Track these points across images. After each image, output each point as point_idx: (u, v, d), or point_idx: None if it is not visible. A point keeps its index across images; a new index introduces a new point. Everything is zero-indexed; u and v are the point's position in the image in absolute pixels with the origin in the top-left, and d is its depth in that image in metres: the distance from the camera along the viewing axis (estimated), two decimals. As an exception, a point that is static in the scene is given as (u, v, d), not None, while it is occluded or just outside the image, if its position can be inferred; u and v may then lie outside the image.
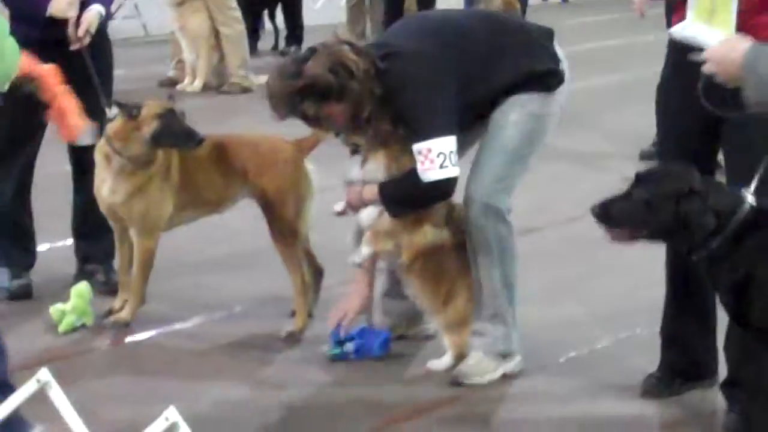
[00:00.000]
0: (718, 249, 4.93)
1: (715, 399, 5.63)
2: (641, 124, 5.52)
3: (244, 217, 6.80)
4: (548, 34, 5.99)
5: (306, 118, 5.72)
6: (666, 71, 5.64)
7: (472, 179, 5.72)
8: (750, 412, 5.26)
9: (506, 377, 5.89)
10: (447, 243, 5.86)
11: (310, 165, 6.56)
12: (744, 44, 4.17)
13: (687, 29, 4.51)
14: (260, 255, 6.87)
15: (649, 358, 5.86)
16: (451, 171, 5.57)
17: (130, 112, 6.19)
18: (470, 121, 5.72)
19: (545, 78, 5.79)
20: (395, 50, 5.65)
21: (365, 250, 5.83)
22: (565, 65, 5.90)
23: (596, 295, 7.03)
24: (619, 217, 5.02)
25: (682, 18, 5.42)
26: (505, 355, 5.89)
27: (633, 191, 5.02)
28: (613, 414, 5.65)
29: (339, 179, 6.02)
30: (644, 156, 8.99)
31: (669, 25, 5.67)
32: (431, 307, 5.98)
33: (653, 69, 5.65)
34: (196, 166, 6.52)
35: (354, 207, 5.88)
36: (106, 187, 6.36)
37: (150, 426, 3.25)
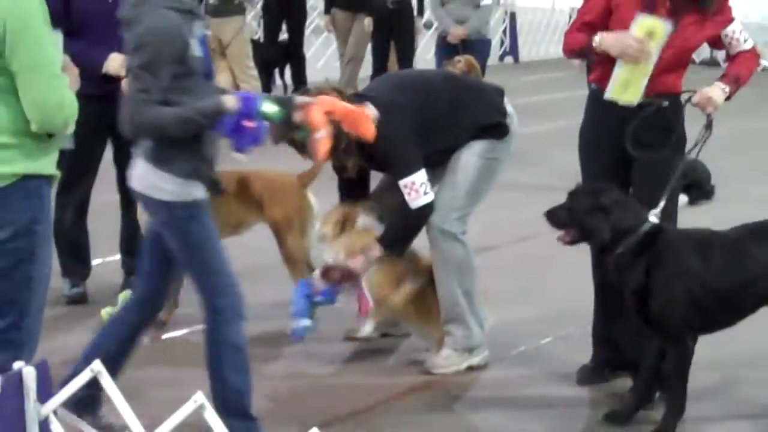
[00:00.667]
0: (623, 256, 5.08)
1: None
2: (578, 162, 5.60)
3: (258, 238, 6.79)
4: (500, 93, 6.00)
5: (296, 145, 5.64)
6: (585, 119, 5.71)
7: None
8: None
9: (472, 368, 5.92)
10: (420, 285, 5.92)
11: (311, 195, 6.54)
12: None
13: None
14: (270, 268, 6.84)
15: (583, 352, 5.90)
16: (431, 195, 5.59)
17: None
18: (433, 165, 5.71)
19: (494, 129, 5.79)
20: (371, 100, 5.59)
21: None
22: (513, 119, 5.90)
23: (541, 301, 7.04)
24: (555, 220, 5.23)
25: (598, 77, 5.51)
26: (470, 351, 5.89)
27: (566, 203, 5.23)
28: (554, 396, 5.71)
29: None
30: (581, 188, 9.06)
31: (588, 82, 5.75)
32: (425, 333, 6.06)
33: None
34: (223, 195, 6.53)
35: (348, 281, 5.74)
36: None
37: (181, 407, 3.26)
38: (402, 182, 5.55)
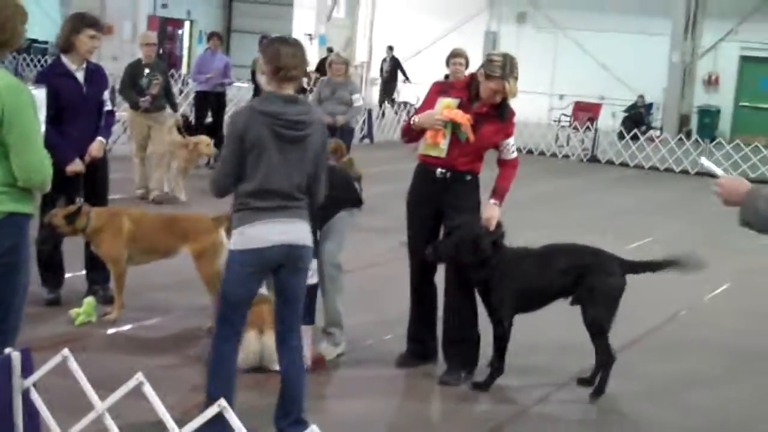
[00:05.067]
0: (478, 265, 5.32)
1: (434, 368, 5.82)
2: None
3: (183, 261, 6.67)
4: (357, 178, 6.11)
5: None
6: (413, 183, 5.77)
7: (323, 250, 5.73)
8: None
9: (339, 355, 5.94)
10: None
11: (222, 232, 6.39)
12: (747, 184, 3.33)
13: (705, 162, 3.64)
14: (191, 282, 6.65)
15: (404, 346, 6.00)
16: None
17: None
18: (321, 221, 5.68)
19: (352, 203, 5.97)
20: None
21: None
22: (362, 195, 6.14)
23: (383, 310, 7.08)
24: (442, 252, 5.36)
25: (421, 157, 5.63)
26: (337, 344, 5.94)
27: (446, 238, 5.36)
28: (386, 373, 5.78)
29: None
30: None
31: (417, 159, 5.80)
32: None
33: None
34: (152, 229, 6.42)
35: None
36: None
37: (126, 383, 3.20)
38: None
